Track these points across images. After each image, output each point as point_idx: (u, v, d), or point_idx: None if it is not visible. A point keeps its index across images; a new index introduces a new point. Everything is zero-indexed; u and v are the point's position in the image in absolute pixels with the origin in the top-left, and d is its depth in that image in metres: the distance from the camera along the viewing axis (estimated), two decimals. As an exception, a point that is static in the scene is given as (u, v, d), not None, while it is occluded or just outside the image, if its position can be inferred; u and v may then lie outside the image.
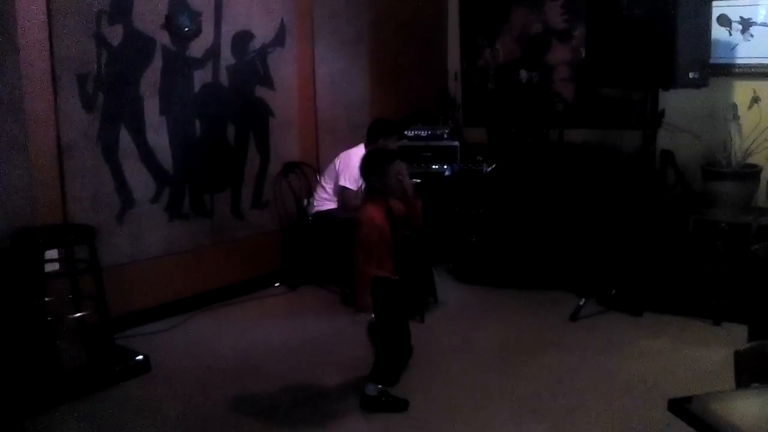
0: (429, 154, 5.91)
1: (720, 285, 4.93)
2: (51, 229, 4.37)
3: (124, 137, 4.87)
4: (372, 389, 3.88)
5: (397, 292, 3.81)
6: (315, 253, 5.88)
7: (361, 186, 5.58)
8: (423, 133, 6.02)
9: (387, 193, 3.80)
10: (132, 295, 4.95)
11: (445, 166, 6.04)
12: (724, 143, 5.35)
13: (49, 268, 4.32)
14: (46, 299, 4.19)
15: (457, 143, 5.98)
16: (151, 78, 4.98)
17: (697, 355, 4.51)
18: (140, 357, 4.36)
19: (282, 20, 5.80)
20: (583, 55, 5.88)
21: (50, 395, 3.89)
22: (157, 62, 5.01)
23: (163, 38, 5.03)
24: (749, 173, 5.21)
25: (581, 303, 5.20)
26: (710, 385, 3.71)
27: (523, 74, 6.52)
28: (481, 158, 6.04)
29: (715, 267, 4.97)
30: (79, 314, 4.36)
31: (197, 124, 5.32)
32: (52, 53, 4.41)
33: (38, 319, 4.12)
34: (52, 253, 4.34)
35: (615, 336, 4.87)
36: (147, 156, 5.02)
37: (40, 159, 4.38)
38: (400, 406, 3.87)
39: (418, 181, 5.83)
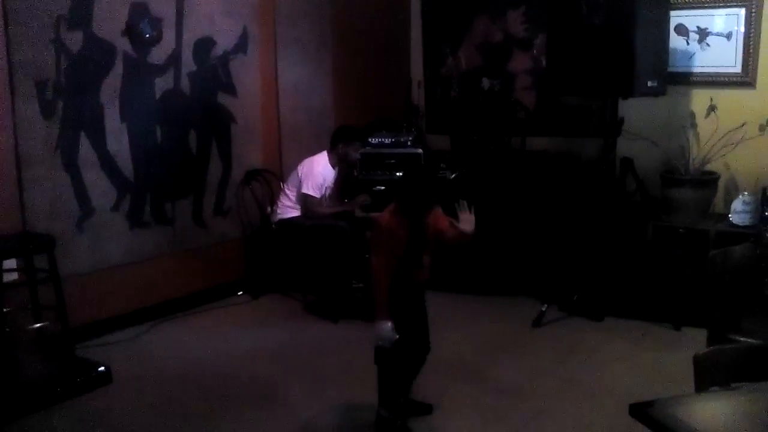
0: (393, 161, 5.90)
1: (679, 290, 5.00)
2: (9, 238, 4.29)
3: (84, 144, 4.81)
4: (384, 411, 3.71)
5: (410, 300, 3.63)
6: (278, 261, 5.85)
7: (325, 193, 5.59)
8: (386, 141, 6.00)
9: (413, 213, 3.52)
10: (93, 304, 4.88)
11: (398, 174, 6.04)
12: (683, 150, 5.44)
13: (8, 277, 4.23)
14: (5, 310, 4.11)
15: (420, 150, 5.98)
16: (111, 85, 4.92)
17: (658, 359, 4.57)
18: (102, 368, 4.30)
19: (244, 27, 5.77)
20: (544, 63, 5.94)
21: (9, 408, 3.81)
22: (118, 69, 4.95)
23: (124, 45, 4.97)
24: (707, 180, 5.30)
25: (543, 309, 5.25)
26: (671, 389, 3.75)
27: (486, 82, 6.56)
28: (445, 165, 6.05)
29: (675, 272, 5.05)
30: (38, 325, 4.29)
31: (158, 131, 5.27)
32: (9, 59, 4.34)
33: (-4, 329, 4.04)
34: (10, 263, 4.25)
35: (577, 341, 4.92)
36: (107, 163, 4.96)
37: (-3, 167, 4.31)
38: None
39: (382, 188, 5.84)
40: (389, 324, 3.49)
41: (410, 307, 3.63)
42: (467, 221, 3.61)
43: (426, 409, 3.90)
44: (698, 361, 2.48)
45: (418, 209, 3.52)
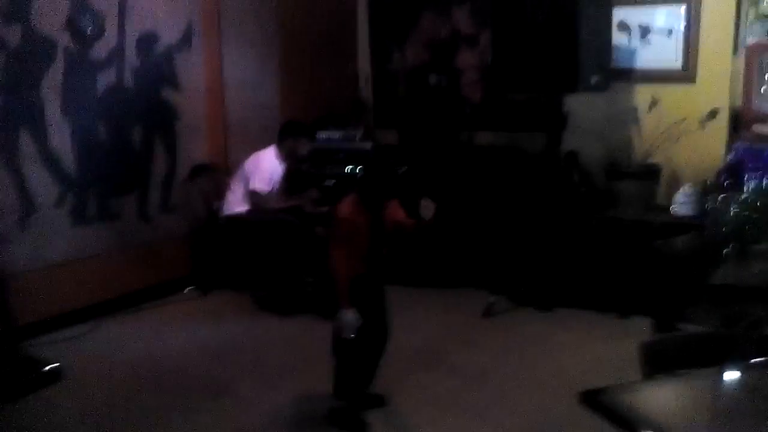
0: (342, 156, 5.91)
1: (625, 280, 5.10)
2: (-52, 237, 4.17)
3: (25, 141, 4.70)
4: (340, 403, 3.74)
5: (369, 292, 3.69)
6: (227, 257, 5.79)
7: (273, 187, 5.55)
8: (336, 136, 6.01)
9: (373, 207, 3.60)
10: (37, 302, 4.75)
11: (359, 168, 6.04)
12: (626, 144, 5.55)
13: (-52, 277, 4.13)
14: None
15: (369, 145, 5.99)
16: (52, 80, 4.81)
17: (606, 348, 4.64)
18: (51, 366, 4.19)
19: (189, 22, 5.70)
20: (490, 59, 5.99)
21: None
22: (59, 64, 4.85)
23: (65, 39, 4.87)
24: (650, 172, 5.42)
25: (492, 300, 5.30)
26: (619, 377, 3.81)
27: (433, 78, 6.59)
28: (394, 160, 6.06)
29: (620, 263, 5.14)
30: (-21, 324, 4.18)
31: (102, 126, 5.18)
32: (-55, 54, 4.22)
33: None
34: (-50, 262, 4.15)
35: (526, 332, 4.98)
36: (49, 159, 4.85)
37: (-66, 164, 4.19)
38: (360, 427, 3.67)
39: (331, 182, 5.84)
40: (352, 312, 3.54)
41: (370, 296, 3.69)
42: (427, 208, 3.69)
43: (379, 401, 3.90)
44: (644, 350, 2.54)
45: (379, 202, 3.60)
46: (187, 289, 5.81)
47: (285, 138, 5.57)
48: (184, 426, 3.76)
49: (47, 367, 4.20)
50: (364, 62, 7.04)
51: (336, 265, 3.55)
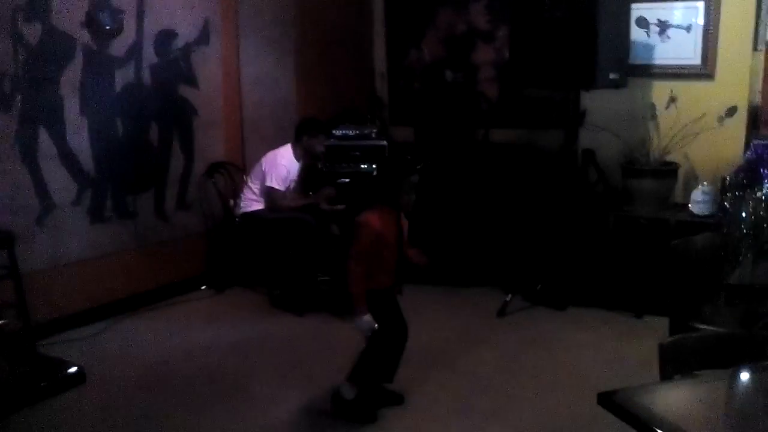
0: (357, 153, 5.90)
1: (640, 279, 5.08)
2: (-33, 235, 4.20)
3: (44, 138, 4.73)
4: (348, 391, 3.76)
5: (387, 301, 3.74)
6: (242, 255, 5.81)
7: (289, 186, 5.56)
8: (351, 133, 6.01)
9: (398, 207, 3.66)
10: (54, 301, 4.80)
11: (374, 166, 6.04)
12: (643, 142, 5.51)
13: (-34, 275, 4.15)
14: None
15: (385, 142, 5.99)
16: (71, 77, 4.84)
17: (621, 348, 4.63)
18: (74, 368, 4.21)
19: (206, 19, 5.72)
20: (507, 55, 5.97)
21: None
22: (78, 61, 4.88)
23: (84, 36, 4.90)
24: (667, 170, 5.38)
25: (507, 299, 5.29)
26: (633, 377, 3.82)
27: (449, 74, 6.58)
28: (409, 157, 6.06)
29: (636, 262, 5.12)
30: (-2, 322, 4.21)
31: (119, 124, 5.20)
32: (-35, 52, 4.26)
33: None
34: (-32, 260, 4.17)
35: (541, 331, 4.97)
36: (67, 157, 4.88)
37: (-46, 161, 4.23)
38: (369, 418, 3.72)
39: (346, 180, 5.85)
40: (368, 317, 3.59)
41: (390, 303, 3.76)
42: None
43: (398, 399, 3.92)
44: (663, 350, 2.52)
45: (401, 200, 3.62)
46: (203, 287, 5.84)
47: (302, 136, 5.57)
48: (199, 425, 3.77)
49: (69, 369, 4.22)
50: (379, 58, 7.04)
51: (354, 280, 3.57)
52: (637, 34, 5.53)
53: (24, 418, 3.80)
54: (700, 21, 5.39)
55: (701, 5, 5.37)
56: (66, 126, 4.85)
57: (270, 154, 5.55)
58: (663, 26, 5.53)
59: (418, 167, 3.75)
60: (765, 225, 4.06)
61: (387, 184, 3.65)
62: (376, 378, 3.82)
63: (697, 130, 5.34)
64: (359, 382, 3.76)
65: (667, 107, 5.47)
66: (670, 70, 5.55)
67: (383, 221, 3.59)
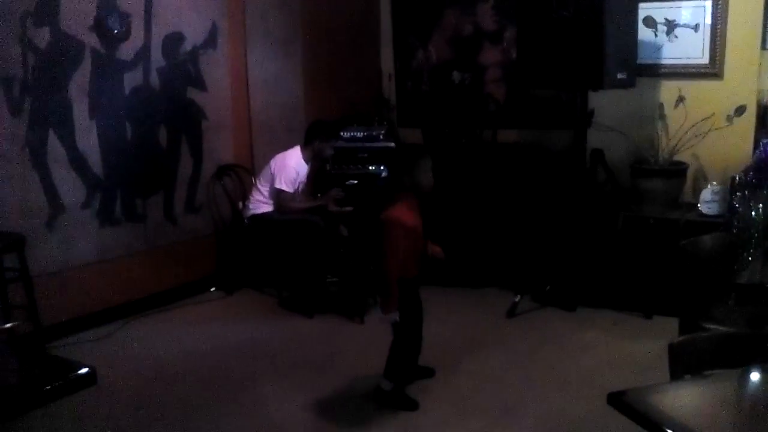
0: (365, 155, 5.91)
1: (650, 279, 5.06)
2: (-22, 238, 4.23)
3: (53, 142, 4.76)
4: (387, 384, 3.90)
5: (414, 290, 3.83)
6: (251, 257, 5.83)
7: (298, 188, 5.57)
8: (359, 134, 6.02)
9: (419, 189, 3.70)
10: (64, 303, 4.82)
11: (382, 167, 6.05)
12: (652, 141, 5.50)
13: (-23, 277, 4.18)
14: (-26, 310, 4.06)
15: (393, 144, 5.99)
16: (80, 81, 4.87)
17: (630, 348, 4.62)
18: (85, 369, 4.21)
19: (213, 22, 5.74)
20: (514, 56, 5.96)
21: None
22: (86, 65, 4.90)
23: (92, 40, 4.92)
24: (676, 170, 5.36)
25: (516, 300, 5.29)
26: (643, 377, 3.82)
27: (456, 75, 6.58)
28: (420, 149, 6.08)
29: (645, 262, 5.10)
30: (9, 324, 4.22)
31: (128, 127, 5.23)
32: (-25, 57, 4.28)
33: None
34: (-21, 263, 4.20)
35: (550, 331, 4.96)
36: (76, 161, 4.91)
37: (-35, 165, 4.25)
38: (411, 405, 3.87)
39: (354, 182, 5.86)
40: (396, 313, 3.72)
41: (414, 291, 3.85)
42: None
43: (430, 372, 4.12)
44: (673, 350, 2.52)
45: (421, 181, 3.68)
46: (212, 289, 5.85)
47: (313, 139, 5.57)
48: (209, 425, 3.79)
49: (81, 371, 4.21)
50: (387, 60, 7.04)
51: (392, 274, 3.63)
52: (644, 33, 5.51)
53: (34, 420, 3.81)
54: (708, 20, 5.38)
55: (709, 4, 5.35)
56: (75, 130, 4.87)
57: (279, 156, 5.56)
58: (671, 25, 5.52)
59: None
60: (774, 224, 4.06)
61: (405, 166, 3.69)
62: (408, 367, 3.96)
63: (705, 130, 5.32)
64: (394, 375, 3.87)
65: (675, 107, 5.45)
66: (678, 70, 5.53)
67: (410, 213, 3.65)
